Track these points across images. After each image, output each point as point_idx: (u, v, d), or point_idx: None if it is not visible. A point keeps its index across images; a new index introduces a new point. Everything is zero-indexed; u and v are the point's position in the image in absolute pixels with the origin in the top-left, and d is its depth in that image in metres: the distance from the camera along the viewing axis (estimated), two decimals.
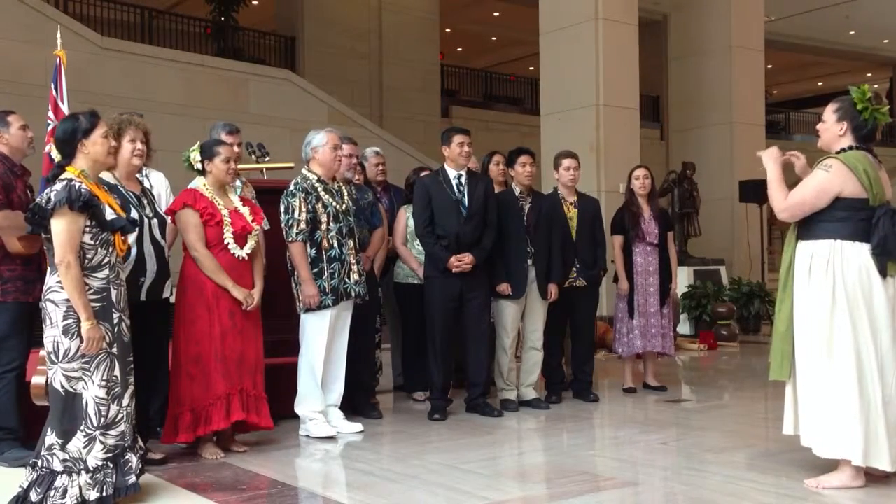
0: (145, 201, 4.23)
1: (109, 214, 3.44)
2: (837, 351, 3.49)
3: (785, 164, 3.76)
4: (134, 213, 4.00)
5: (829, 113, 3.68)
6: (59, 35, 5.29)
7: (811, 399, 3.58)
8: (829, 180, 3.52)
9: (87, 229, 3.33)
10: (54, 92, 5.17)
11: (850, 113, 3.62)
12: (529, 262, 5.53)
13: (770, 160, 3.74)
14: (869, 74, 26.52)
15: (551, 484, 3.86)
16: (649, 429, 5.02)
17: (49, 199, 3.29)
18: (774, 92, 25.42)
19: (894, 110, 25.97)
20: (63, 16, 11.43)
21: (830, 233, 3.56)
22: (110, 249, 3.42)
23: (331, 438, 4.71)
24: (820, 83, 27.53)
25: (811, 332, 3.57)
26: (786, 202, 3.60)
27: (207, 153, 4.41)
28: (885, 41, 22.84)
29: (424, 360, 5.50)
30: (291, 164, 5.96)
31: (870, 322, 3.49)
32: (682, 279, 10.45)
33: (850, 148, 3.61)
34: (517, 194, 5.65)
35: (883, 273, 3.50)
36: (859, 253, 3.52)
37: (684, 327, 10.21)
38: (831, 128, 3.67)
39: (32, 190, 4.42)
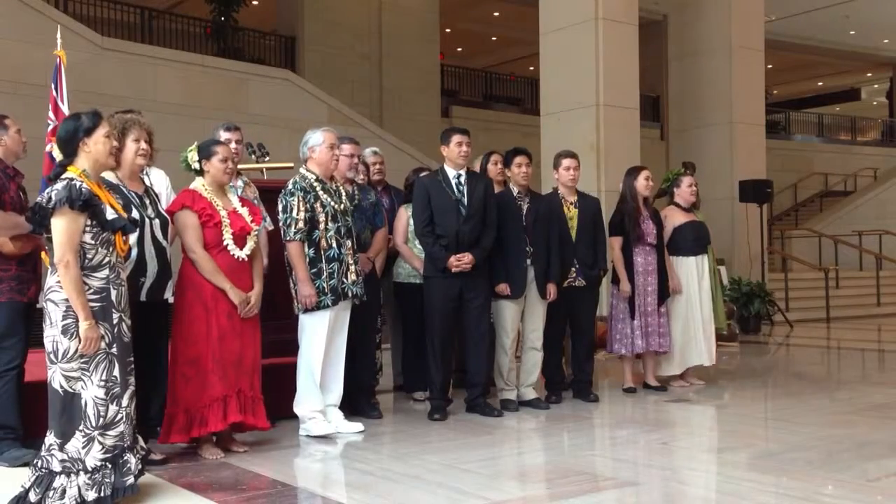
0: (147, 201, 4.22)
1: (110, 214, 3.43)
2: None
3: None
4: (135, 213, 3.99)
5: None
6: (59, 35, 5.29)
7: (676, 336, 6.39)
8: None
9: (88, 229, 3.33)
10: (54, 92, 5.17)
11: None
12: (528, 261, 5.54)
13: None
14: (869, 74, 26.53)
15: (551, 484, 3.86)
16: (649, 429, 5.02)
17: (50, 198, 3.29)
18: (774, 92, 25.41)
19: (894, 110, 26.05)
20: (63, 16, 11.41)
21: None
22: (111, 249, 3.42)
23: (330, 437, 4.71)
24: (820, 83, 27.53)
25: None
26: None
27: (205, 153, 4.38)
28: (885, 41, 22.83)
29: (424, 360, 5.48)
30: (291, 164, 5.96)
31: (697, 294, 6.43)
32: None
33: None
34: (514, 194, 5.65)
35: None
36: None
37: None
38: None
39: (25, 192, 4.38)
